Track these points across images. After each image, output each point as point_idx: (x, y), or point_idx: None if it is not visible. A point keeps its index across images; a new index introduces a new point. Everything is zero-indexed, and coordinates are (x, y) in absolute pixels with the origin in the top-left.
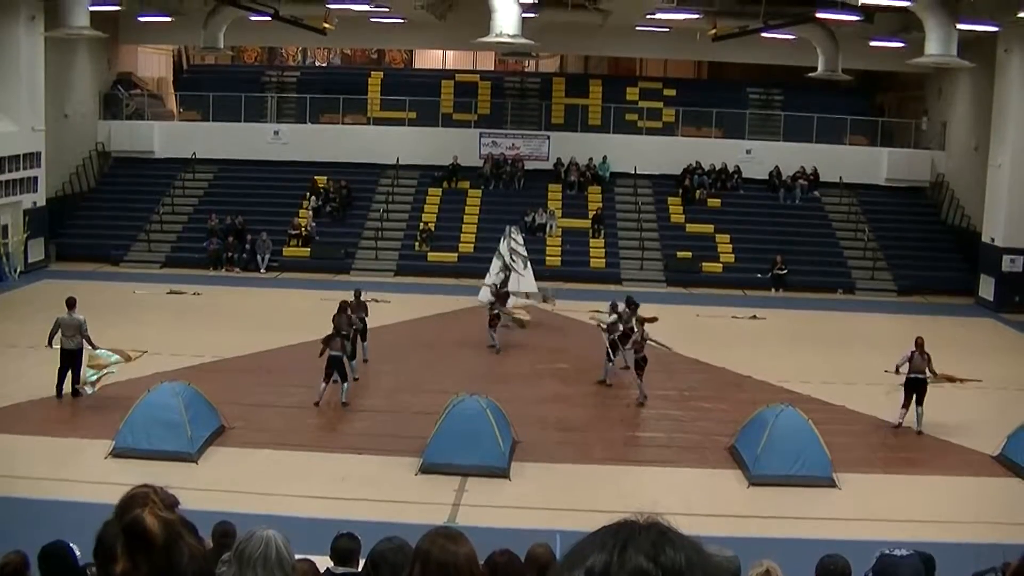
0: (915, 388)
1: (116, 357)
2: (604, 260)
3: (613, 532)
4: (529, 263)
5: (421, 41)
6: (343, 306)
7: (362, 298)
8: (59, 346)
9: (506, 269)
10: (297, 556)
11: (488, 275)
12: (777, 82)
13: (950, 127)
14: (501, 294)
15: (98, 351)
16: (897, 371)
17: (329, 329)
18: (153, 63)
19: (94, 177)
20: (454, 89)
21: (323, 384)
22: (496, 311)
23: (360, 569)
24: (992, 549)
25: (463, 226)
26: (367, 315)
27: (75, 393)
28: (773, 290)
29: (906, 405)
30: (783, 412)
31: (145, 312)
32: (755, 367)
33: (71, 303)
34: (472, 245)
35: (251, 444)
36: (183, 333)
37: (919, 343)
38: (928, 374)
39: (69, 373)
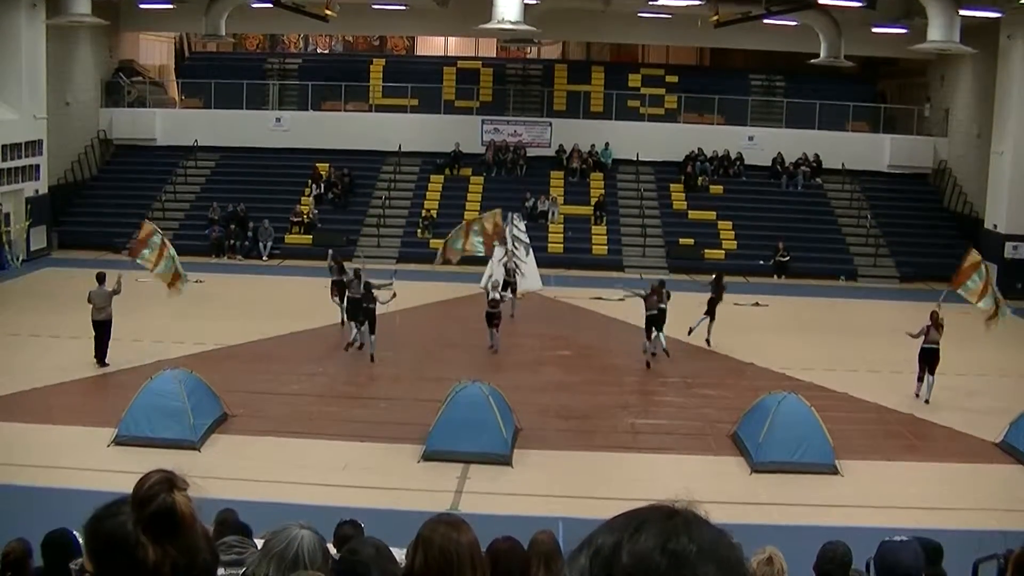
0: (929, 359)
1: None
2: (606, 247)
3: (633, 515)
4: (531, 250)
5: (423, 28)
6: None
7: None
8: (91, 318)
9: (513, 262)
10: None
11: (490, 263)
12: (779, 69)
13: (952, 114)
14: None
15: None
16: (915, 335)
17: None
18: (155, 50)
19: (96, 165)
20: (456, 76)
21: (354, 329)
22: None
23: None
24: (994, 536)
25: (465, 213)
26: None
27: (102, 360)
28: (775, 277)
29: (921, 377)
30: (785, 399)
31: (147, 300)
32: (757, 354)
33: (101, 277)
34: None
35: (253, 431)
36: (185, 321)
37: (934, 316)
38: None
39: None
